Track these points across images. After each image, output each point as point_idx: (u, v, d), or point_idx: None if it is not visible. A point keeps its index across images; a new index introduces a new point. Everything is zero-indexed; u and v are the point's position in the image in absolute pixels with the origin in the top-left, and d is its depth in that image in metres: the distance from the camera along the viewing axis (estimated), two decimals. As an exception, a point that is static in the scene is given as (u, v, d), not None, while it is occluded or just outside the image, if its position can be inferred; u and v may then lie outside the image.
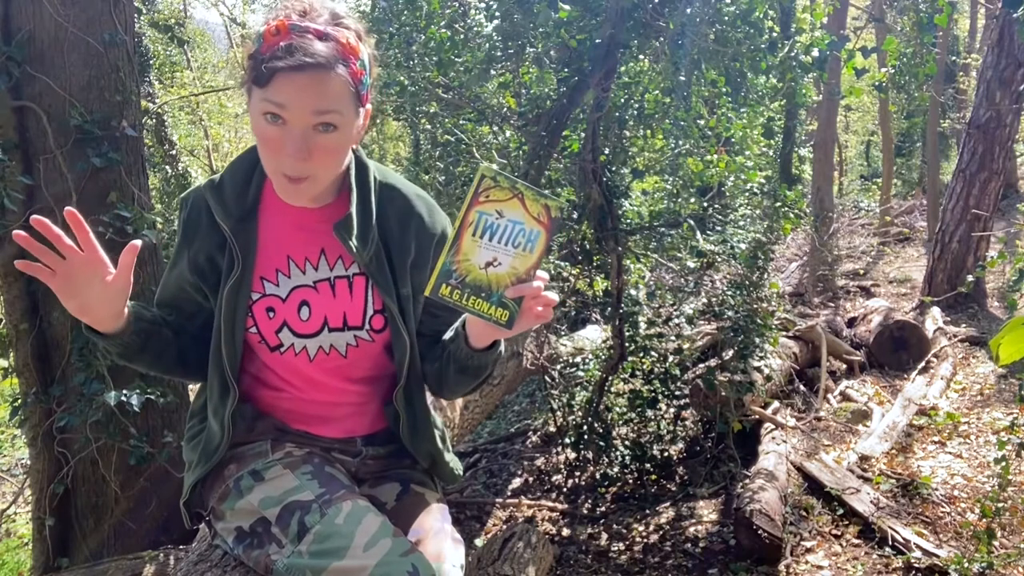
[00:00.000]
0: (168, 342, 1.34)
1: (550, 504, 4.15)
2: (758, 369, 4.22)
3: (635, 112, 4.33)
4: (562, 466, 4.58)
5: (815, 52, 3.59)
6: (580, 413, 4.33)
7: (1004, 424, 3.76)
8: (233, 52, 16.49)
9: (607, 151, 4.14)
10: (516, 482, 4.58)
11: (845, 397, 5.15)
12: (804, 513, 3.51)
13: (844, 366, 5.77)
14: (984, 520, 3.06)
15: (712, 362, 4.25)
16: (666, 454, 4.33)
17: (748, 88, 4.36)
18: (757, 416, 4.40)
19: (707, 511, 3.80)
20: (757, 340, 4.08)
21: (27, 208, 3.26)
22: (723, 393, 3.98)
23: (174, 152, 8.25)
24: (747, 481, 3.54)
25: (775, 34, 3.70)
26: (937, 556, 2.99)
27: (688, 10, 3.57)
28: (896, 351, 5.78)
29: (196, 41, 14.91)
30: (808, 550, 3.24)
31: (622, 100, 4.29)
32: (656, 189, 5.26)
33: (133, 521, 3.47)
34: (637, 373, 4.26)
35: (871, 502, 3.44)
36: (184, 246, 1.33)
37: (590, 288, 4.35)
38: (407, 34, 4.34)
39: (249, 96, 1.18)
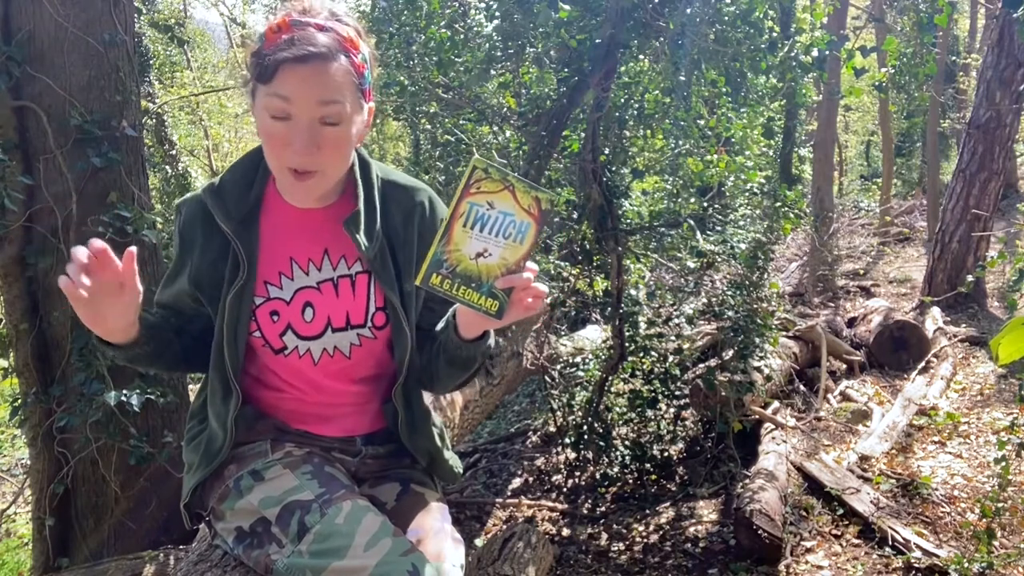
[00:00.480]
0: (170, 342, 1.36)
1: (550, 504, 4.15)
2: (758, 369, 4.22)
3: (635, 112, 4.33)
4: (562, 466, 4.58)
5: (815, 52, 3.59)
6: (580, 413, 4.33)
7: (1004, 424, 3.76)
8: (233, 52, 16.49)
9: (607, 151, 4.14)
10: (516, 482, 4.58)
11: (845, 397, 5.15)
12: (804, 513, 3.51)
13: (844, 366, 5.76)
14: (984, 520, 3.06)
15: (712, 362, 4.25)
16: (666, 454, 4.33)
17: (748, 88, 4.36)
18: (757, 416, 4.40)
19: (707, 511, 3.80)
20: (757, 340, 4.08)
21: (27, 208, 3.26)
22: (723, 393, 3.98)
23: (174, 152, 8.25)
24: (747, 481, 3.54)
25: (775, 34, 3.70)
26: (937, 556, 2.99)
27: (688, 10, 3.57)
28: (896, 351, 5.78)
29: (196, 41, 14.92)
30: (808, 550, 3.24)
31: (622, 100, 4.29)
32: (656, 189, 5.26)
33: (133, 521, 3.47)
34: (637, 373, 4.26)
35: (871, 502, 3.44)
36: (185, 255, 1.32)
37: (590, 288, 4.35)
38: (407, 34, 4.34)
39: (253, 96, 1.19)
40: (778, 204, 4.40)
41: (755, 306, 4.11)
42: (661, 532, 3.66)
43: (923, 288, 7.52)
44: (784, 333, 5.30)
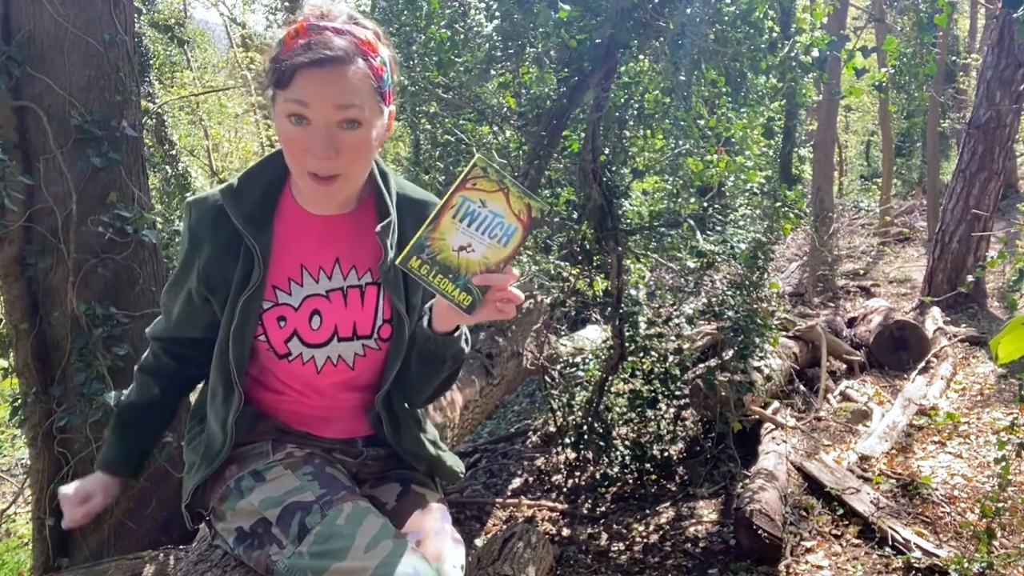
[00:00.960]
0: (157, 425, 1.48)
1: (550, 504, 4.15)
2: (758, 369, 4.22)
3: (635, 112, 4.33)
4: (562, 466, 4.58)
5: (815, 52, 3.59)
6: (580, 413, 4.33)
7: (1004, 424, 3.76)
8: (233, 52, 16.49)
9: (607, 151, 4.14)
10: (516, 482, 4.58)
11: (845, 397, 5.15)
12: (804, 513, 3.52)
13: (844, 366, 5.77)
14: (984, 520, 3.06)
15: (712, 362, 4.25)
16: (666, 454, 4.33)
17: (748, 88, 4.36)
18: (757, 416, 4.40)
19: (707, 511, 3.80)
20: (757, 340, 4.08)
21: (27, 208, 3.26)
22: (723, 393, 3.98)
23: (174, 152, 8.25)
24: (747, 481, 3.54)
25: (775, 34, 3.70)
26: (937, 556, 2.99)
27: (688, 10, 3.57)
28: (896, 351, 5.78)
29: (196, 41, 14.92)
30: (808, 550, 3.24)
31: (622, 100, 4.29)
32: (656, 189, 5.26)
33: (133, 521, 3.47)
34: (637, 373, 4.25)
35: (871, 502, 3.44)
36: (193, 254, 1.31)
37: (590, 288, 4.35)
38: (407, 34, 4.35)
39: (273, 102, 1.19)
40: (778, 204, 4.40)
41: (755, 306, 4.11)
42: (661, 532, 3.66)
43: (923, 288, 7.52)
44: (784, 333, 5.30)
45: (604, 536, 3.72)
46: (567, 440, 4.37)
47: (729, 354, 4.10)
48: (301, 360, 1.32)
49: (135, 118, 3.54)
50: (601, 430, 4.18)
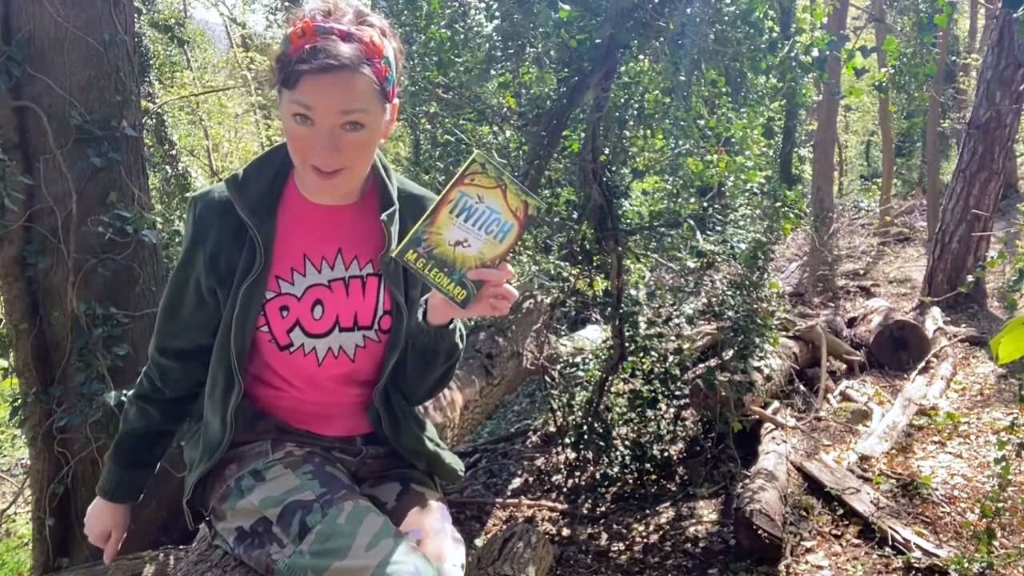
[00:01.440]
0: (157, 450, 1.49)
1: (550, 504, 4.15)
2: (758, 369, 4.22)
3: (635, 112, 4.33)
4: (562, 466, 4.58)
5: (815, 52, 3.59)
6: (580, 413, 4.33)
7: (1004, 424, 3.76)
8: (233, 52, 16.49)
9: (607, 151, 4.14)
10: (516, 482, 4.58)
11: (845, 397, 5.15)
12: (804, 513, 3.51)
13: (844, 366, 5.77)
14: (984, 520, 3.06)
15: (712, 362, 4.25)
16: (666, 454, 4.33)
17: (748, 88, 4.36)
18: (757, 416, 4.40)
19: (707, 511, 3.80)
20: (757, 340, 4.08)
21: (27, 208, 3.26)
22: (723, 393, 3.98)
23: (174, 152, 8.25)
24: (747, 481, 3.54)
25: (775, 34, 3.70)
26: (937, 556, 2.99)
27: (688, 10, 3.57)
28: (896, 351, 5.78)
29: (196, 41, 14.92)
30: (808, 550, 3.24)
31: (622, 100, 4.29)
32: (656, 189, 5.26)
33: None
34: (637, 373, 4.25)
35: (871, 502, 3.44)
36: (198, 246, 1.31)
37: (590, 288, 4.35)
38: (407, 34, 4.35)
39: (280, 96, 1.21)
40: (778, 204, 4.40)
41: (755, 306, 4.11)
42: (661, 532, 3.66)
43: (923, 288, 7.52)
44: (784, 333, 5.30)
45: (604, 536, 3.72)
46: (567, 440, 4.37)
47: (729, 354, 4.10)
48: (303, 351, 1.32)
49: (135, 118, 3.54)
50: (601, 430, 4.18)
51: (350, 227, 1.33)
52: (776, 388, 4.82)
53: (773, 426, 4.33)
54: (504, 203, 1.13)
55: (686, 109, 4.26)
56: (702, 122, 4.66)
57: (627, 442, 4.27)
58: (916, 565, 3.00)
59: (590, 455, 4.30)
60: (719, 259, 4.20)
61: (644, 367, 4.24)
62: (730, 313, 4.12)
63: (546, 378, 4.42)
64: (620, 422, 4.37)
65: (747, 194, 5.28)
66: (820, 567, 3.12)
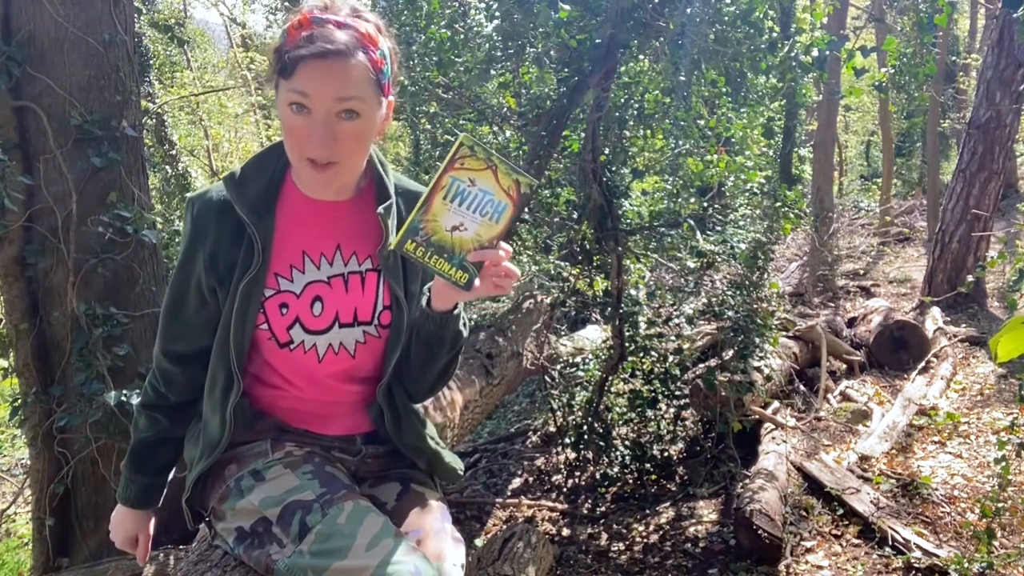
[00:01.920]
0: (168, 454, 1.48)
1: (550, 504, 4.15)
2: (758, 369, 4.22)
3: (635, 112, 4.33)
4: (562, 466, 4.58)
5: (815, 52, 3.59)
6: (580, 413, 4.33)
7: (1004, 424, 3.76)
8: (233, 52, 16.50)
9: (607, 151, 4.14)
10: (516, 482, 4.58)
11: (845, 397, 5.15)
12: (804, 513, 3.51)
13: (844, 366, 5.77)
14: (984, 520, 3.06)
15: (712, 362, 4.25)
16: (666, 454, 4.33)
17: (748, 88, 4.36)
18: (757, 416, 4.40)
19: (707, 511, 3.80)
20: (757, 340, 4.08)
21: (27, 208, 3.26)
22: (723, 393, 3.98)
23: (174, 152, 8.25)
24: (747, 481, 3.54)
25: (775, 34, 3.70)
26: (937, 556, 2.99)
27: (688, 10, 3.57)
28: (896, 351, 5.78)
29: (196, 41, 14.93)
30: (808, 550, 3.24)
31: (622, 100, 4.29)
32: (656, 189, 5.26)
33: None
34: (637, 373, 4.25)
35: (871, 502, 3.44)
36: (197, 246, 1.31)
37: (590, 288, 4.35)
38: (407, 34, 4.34)
39: (276, 90, 1.23)
40: (778, 204, 4.40)
41: (755, 306, 4.11)
42: (661, 532, 3.66)
43: (923, 288, 7.52)
44: (784, 333, 5.30)
45: (604, 536, 3.72)
46: (567, 440, 4.37)
47: (729, 354, 4.10)
48: (303, 348, 1.32)
49: (135, 118, 3.54)
50: (601, 430, 4.18)
51: (348, 223, 1.34)
52: (776, 388, 4.82)
53: (773, 426, 4.33)
54: (496, 184, 1.13)
55: (686, 109, 4.26)
56: (702, 122, 4.66)
57: (627, 442, 4.27)
58: (916, 565, 3.00)
59: (590, 455, 4.30)
60: (719, 259, 4.20)
61: (644, 367, 4.24)
62: (730, 313, 4.12)
63: (546, 378, 4.42)
64: (620, 422, 4.37)
65: (747, 194, 5.29)
66: (820, 567, 3.12)
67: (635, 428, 4.33)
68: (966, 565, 2.86)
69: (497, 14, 3.97)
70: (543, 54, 4.13)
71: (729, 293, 4.18)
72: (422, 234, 1.14)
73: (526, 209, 4.33)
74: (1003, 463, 2.95)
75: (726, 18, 3.56)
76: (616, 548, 3.60)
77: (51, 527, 3.38)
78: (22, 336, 3.33)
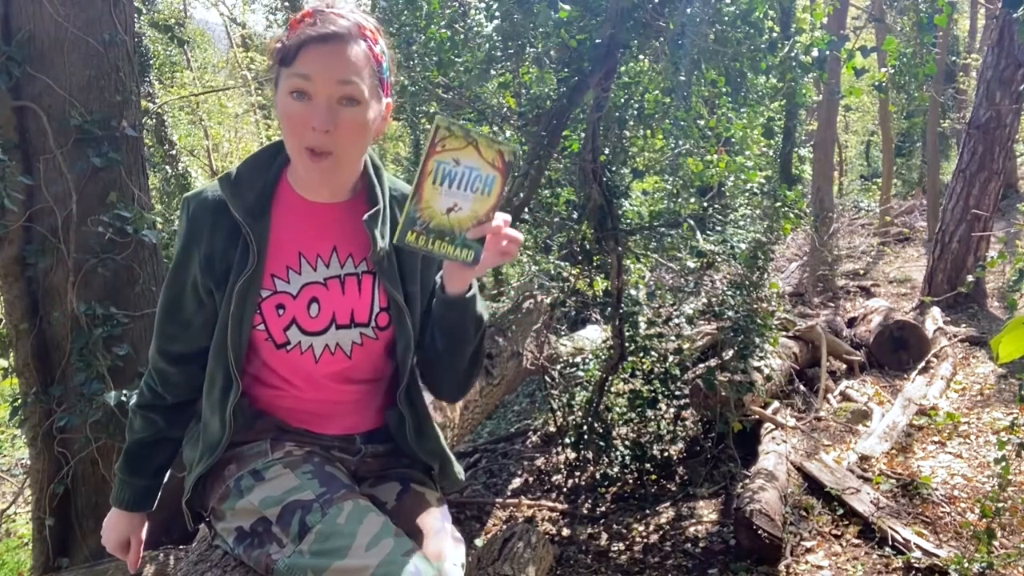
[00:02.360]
0: (164, 455, 1.48)
1: (550, 504, 4.15)
2: (758, 369, 4.22)
3: (635, 112, 4.33)
4: (562, 466, 4.58)
5: (815, 52, 3.59)
6: (580, 413, 4.33)
7: (1004, 424, 3.76)
8: (233, 52, 16.50)
9: (607, 151, 4.14)
10: (516, 482, 4.58)
11: (845, 397, 5.15)
12: (804, 513, 3.51)
13: (844, 366, 5.77)
14: (984, 520, 3.06)
15: (712, 362, 4.25)
16: (666, 454, 4.33)
17: (748, 88, 4.36)
18: (757, 416, 4.40)
19: (707, 511, 3.80)
20: (757, 340, 4.08)
21: (27, 208, 3.26)
22: (723, 393, 3.98)
23: (174, 152, 8.26)
24: (747, 481, 3.54)
25: (775, 34, 3.70)
26: (937, 556, 2.99)
27: (688, 10, 3.57)
28: (896, 351, 5.78)
29: (196, 41, 14.94)
30: (808, 550, 3.24)
31: (622, 100, 4.29)
32: (656, 189, 5.26)
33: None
34: (637, 373, 4.25)
35: (871, 502, 3.44)
36: (192, 246, 1.30)
37: (590, 288, 4.35)
38: (407, 34, 4.34)
39: (276, 83, 1.24)
40: (778, 204, 4.40)
41: (755, 306, 4.11)
42: (661, 532, 3.66)
43: (923, 288, 7.52)
44: (784, 333, 5.31)
45: (604, 536, 3.72)
46: (567, 440, 4.37)
47: (729, 354, 4.10)
48: (299, 349, 1.32)
49: (135, 118, 3.54)
50: (601, 430, 4.18)
51: (344, 225, 1.34)
52: (776, 388, 4.82)
53: (773, 426, 4.33)
54: (480, 158, 1.15)
55: (686, 109, 4.26)
56: (702, 122, 4.66)
57: (627, 442, 4.27)
58: (916, 565, 3.00)
59: (590, 455, 4.30)
60: (719, 259, 4.20)
61: (644, 367, 4.24)
62: (730, 313, 4.12)
63: (546, 378, 4.42)
64: (620, 422, 4.37)
65: (747, 194, 5.28)
66: (820, 567, 3.12)
67: (635, 428, 4.33)
68: (966, 565, 2.86)
69: (497, 14, 3.97)
70: (543, 54, 4.13)
71: (729, 293, 4.18)
72: (420, 222, 1.15)
73: (526, 209, 4.33)
74: (1003, 463, 2.95)
75: (726, 18, 3.56)
76: (616, 548, 3.60)
77: (51, 527, 3.38)
78: (22, 336, 3.33)
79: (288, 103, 1.21)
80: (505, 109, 4.55)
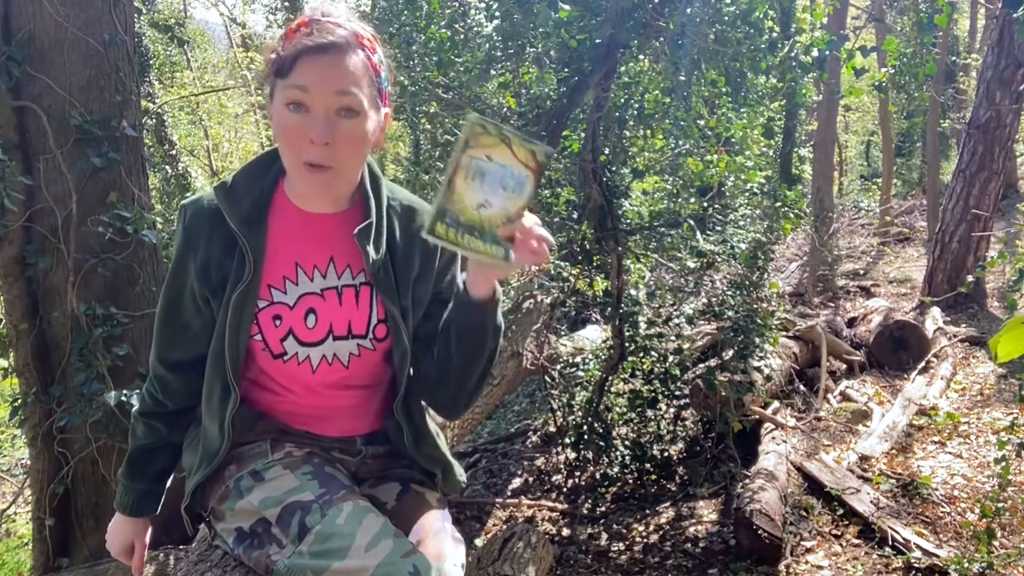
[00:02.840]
0: (166, 459, 1.47)
1: (550, 504, 4.15)
2: (758, 369, 4.22)
3: (635, 112, 4.33)
4: (562, 466, 4.58)
5: (815, 52, 3.59)
6: (580, 413, 4.33)
7: (1004, 424, 3.76)
8: (233, 52, 16.50)
9: (607, 151, 4.14)
10: (516, 482, 4.58)
11: (845, 397, 5.15)
12: (804, 513, 3.52)
13: (844, 366, 5.77)
14: (984, 520, 3.06)
15: (712, 362, 4.25)
16: (666, 454, 4.33)
17: (748, 88, 4.36)
18: (757, 416, 4.40)
19: (707, 511, 3.80)
20: (757, 340, 4.08)
21: (27, 208, 3.26)
22: (723, 393, 3.98)
23: (174, 152, 8.26)
24: (747, 481, 3.54)
25: (775, 34, 3.70)
26: (937, 556, 2.99)
27: (688, 10, 3.57)
28: (896, 351, 5.78)
29: (196, 41, 14.94)
30: (808, 550, 3.24)
31: (622, 100, 4.29)
32: (656, 189, 5.27)
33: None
34: (637, 373, 4.25)
35: (871, 502, 3.44)
36: (189, 254, 1.30)
37: (590, 288, 4.35)
38: (407, 34, 4.34)
39: (272, 95, 1.21)
40: (778, 204, 4.40)
41: (755, 306, 4.11)
42: (661, 532, 3.66)
43: (923, 288, 7.52)
44: (784, 333, 5.30)
45: (604, 536, 3.72)
46: (567, 440, 4.37)
47: (729, 354, 4.10)
48: (296, 360, 1.32)
49: (135, 118, 3.54)
50: (601, 430, 4.18)
51: (342, 235, 1.31)
52: (776, 388, 4.82)
53: (773, 426, 4.33)
54: (513, 156, 1.13)
55: (686, 109, 4.26)
56: (702, 122, 4.66)
57: (627, 442, 4.27)
58: (916, 565, 3.00)
59: (590, 455, 4.30)
60: (719, 259, 4.20)
61: (644, 367, 4.24)
62: (730, 313, 4.12)
63: (546, 378, 4.42)
64: (620, 422, 4.37)
65: (747, 194, 5.29)
66: (820, 567, 3.12)
67: (635, 428, 4.33)
68: (966, 565, 2.86)
69: (497, 14, 3.98)
70: (543, 54, 4.13)
71: (729, 293, 4.18)
72: (450, 216, 1.12)
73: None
74: (1003, 463, 2.95)
75: (726, 18, 3.56)
76: (616, 548, 3.60)
77: (51, 527, 3.38)
78: (22, 336, 3.33)
79: (285, 115, 1.18)
80: (505, 109, 4.55)
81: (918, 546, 3.08)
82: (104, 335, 3.27)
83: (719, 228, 4.62)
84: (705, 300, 4.37)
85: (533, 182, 1.14)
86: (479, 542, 3.63)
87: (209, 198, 1.30)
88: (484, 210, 1.13)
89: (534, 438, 5.19)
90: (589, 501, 4.12)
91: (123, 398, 3.17)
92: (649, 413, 4.26)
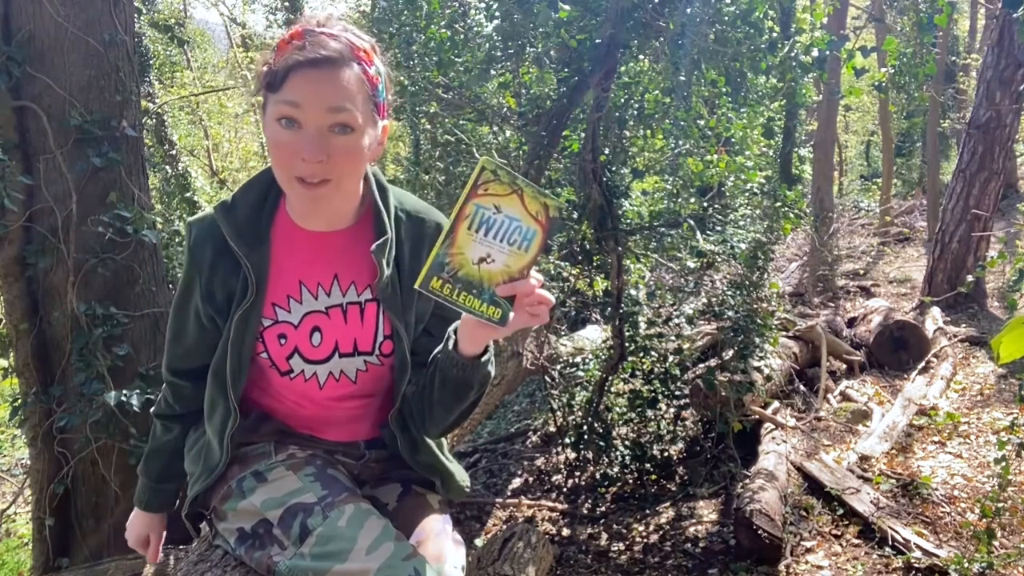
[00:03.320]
0: (177, 462, 1.48)
1: (550, 504, 4.15)
2: (758, 369, 4.22)
3: (635, 112, 4.33)
4: (562, 466, 4.58)
5: (815, 52, 3.59)
6: (580, 413, 4.33)
7: (1004, 424, 3.76)
8: (233, 52, 16.49)
9: (607, 151, 4.14)
10: (516, 482, 4.58)
11: (845, 397, 5.15)
12: (804, 513, 3.52)
13: (844, 366, 5.77)
14: (984, 520, 3.06)
15: (712, 362, 4.25)
16: (666, 454, 4.33)
17: (748, 88, 4.36)
18: (757, 416, 4.40)
19: (707, 511, 3.80)
20: (757, 340, 4.08)
21: (27, 208, 3.26)
22: (723, 393, 3.98)
23: (174, 152, 8.25)
24: (747, 481, 3.54)
25: (775, 34, 3.70)
26: (937, 556, 3.00)
27: (688, 10, 3.57)
28: (896, 351, 5.78)
29: (196, 41, 14.93)
30: (808, 550, 3.24)
31: (622, 100, 4.29)
32: (656, 189, 5.26)
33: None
34: (637, 373, 4.25)
35: (871, 502, 3.44)
36: (195, 274, 1.29)
37: (590, 288, 4.35)
38: (407, 34, 4.35)
39: (264, 109, 1.17)
40: (778, 204, 4.40)
41: (755, 306, 4.11)
42: (661, 532, 3.66)
43: (923, 288, 7.52)
44: (784, 333, 5.31)
45: (604, 536, 3.72)
46: (567, 440, 4.37)
47: (729, 354, 4.10)
48: (303, 377, 1.31)
49: (135, 118, 3.54)
50: (601, 430, 4.18)
51: (346, 253, 1.29)
52: (776, 388, 4.82)
53: (773, 426, 4.33)
54: (523, 209, 1.05)
55: (686, 109, 4.26)
56: (702, 122, 4.66)
57: (627, 442, 4.27)
58: (916, 565, 3.00)
59: (590, 455, 4.30)
60: (719, 259, 4.20)
61: (644, 367, 4.24)
62: (730, 313, 4.12)
63: (546, 378, 4.42)
64: (620, 422, 4.37)
65: (747, 194, 5.28)
66: (820, 567, 3.12)
67: (635, 428, 4.33)
68: (966, 565, 2.86)
69: (497, 14, 3.98)
70: (543, 54, 4.13)
71: (729, 293, 4.18)
72: (448, 269, 1.05)
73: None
74: (1003, 463, 2.95)
75: (726, 18, 3.56)
76: (616, 548, 3.60)
77: (51, 527, 3.38)
78: (22, 336, 3.33)
79: (276, 131, 1.13)
80: (505, 109, 4.56)
81: (918, 546, 3.08)
82: (104, 335, 3.27)
83: (719, 228, 4.62)
84: (705, 300, 4.37)
85: (541, 239, 1.07)
86: (479, 542, 3.63)
87: (213, 216, 1.29)
88: (485, 265, 1.06)
89: (534, 438, 5.19)
90: (589, 501, 4.12)
91: (123, 398, 3.17)
92: (649, 413, 4.26)
